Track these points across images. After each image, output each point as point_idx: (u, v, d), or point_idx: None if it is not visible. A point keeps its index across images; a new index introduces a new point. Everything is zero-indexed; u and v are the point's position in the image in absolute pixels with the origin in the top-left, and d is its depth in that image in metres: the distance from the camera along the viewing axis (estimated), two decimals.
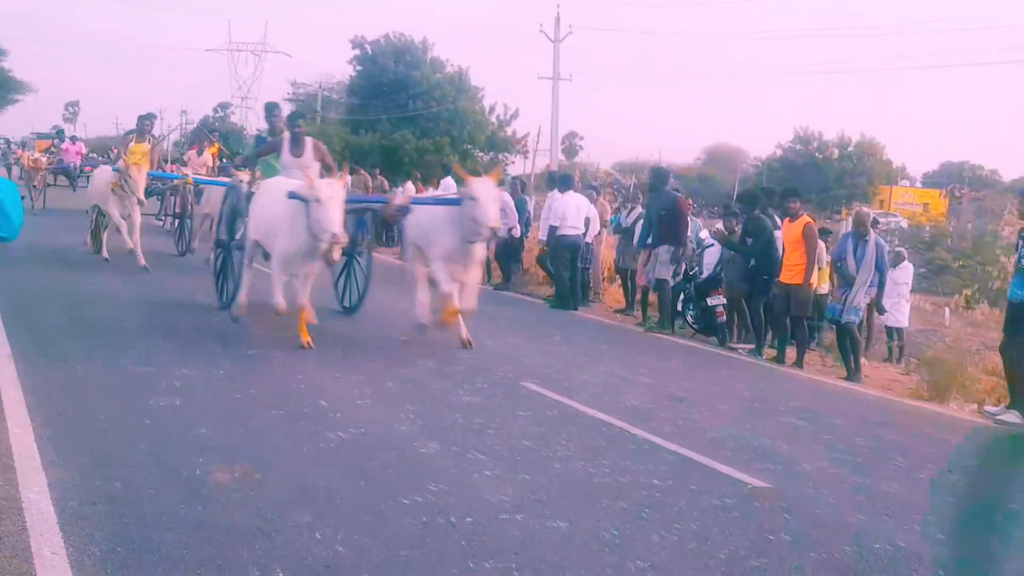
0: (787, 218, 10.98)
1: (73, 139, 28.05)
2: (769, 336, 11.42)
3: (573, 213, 13.76)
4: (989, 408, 8.74)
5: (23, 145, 43.94)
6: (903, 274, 13.87)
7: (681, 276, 12.31)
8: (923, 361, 11.13)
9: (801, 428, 7.65)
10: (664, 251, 12.14)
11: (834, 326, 10.75)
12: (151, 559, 4.23)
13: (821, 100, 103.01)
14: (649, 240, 12.34)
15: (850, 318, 10.13)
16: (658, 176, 13.10)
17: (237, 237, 10.80)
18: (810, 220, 10.89)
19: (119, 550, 4.29)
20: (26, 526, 4.46)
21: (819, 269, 11.65)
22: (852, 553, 4.94)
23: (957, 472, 6.80)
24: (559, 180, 15.24)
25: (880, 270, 10.20)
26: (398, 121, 45.21)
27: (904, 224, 33.16)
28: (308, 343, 9.04)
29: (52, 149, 28.26)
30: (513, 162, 48.48)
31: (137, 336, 9.10)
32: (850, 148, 50.71)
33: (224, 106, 75.03)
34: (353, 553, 4.46)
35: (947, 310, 16.30)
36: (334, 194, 8.71)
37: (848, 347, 10.23)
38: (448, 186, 15.86)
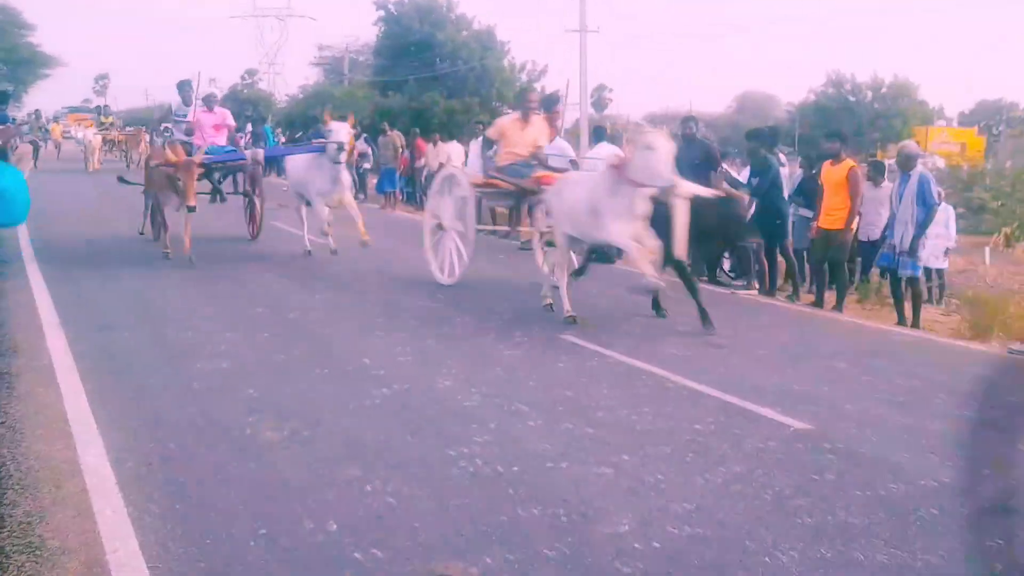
0: (829, 160, 10.85)
1: (208, 101, 13.83)
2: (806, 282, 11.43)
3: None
4: (1013, 345, 8.66)
5: (56, 119, 44.23)
6: (942, 215, 13.69)
7: None
8: (964, 301, 11.05)
9: (842, 371, 7.64)
10: None
11: (884, 273, 10.68)
12: (209, 514, 4.35)
13: (854, 43, 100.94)
14: None
15: (908, 272, 9.93)
16: (689, 123, 12.95)
17: None
18: (855, 164, 10.77)
19: (177, 507, 4.41)
20: (87, 487, 4.60)
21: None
22: (897, 490, 4.97)
23: (999, 408, 6.77)
24: (592, 133, 15.18)
25: (927, 206, 9.85)
26: (426, 81, 45.10)
27: (941, 164, 32.62)
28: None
29: (164, 127, 18.43)
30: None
31: (178, 303, 9.22)
32: (883, 90, 49.90)
33: (251, 72, 75.01)
34: (404, 503, 4.55)
35: (987, 249, 16.10)
36: None
37: (906, 298, 10.10)
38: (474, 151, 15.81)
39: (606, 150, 13.60)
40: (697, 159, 12.13)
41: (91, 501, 4.42)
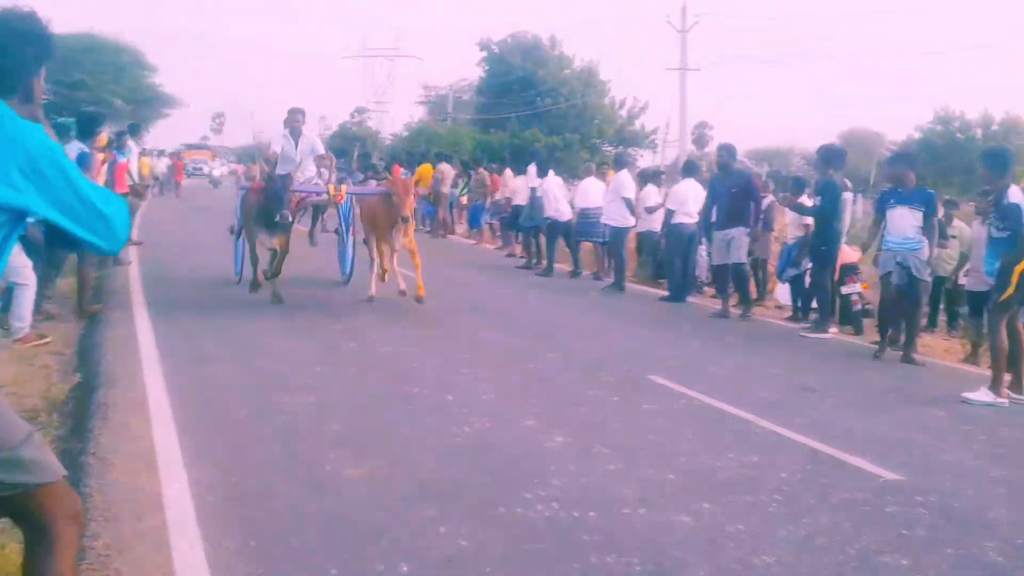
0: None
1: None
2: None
3: (691, 200, 13.34)
4: (967, 395, 7.97)
5: (176, 155, 46.11)
6: None
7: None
8: None
9: (939, 419, 7.37)
10: (740, 233, 11.88)
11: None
12: (282, 554, 4.38)
13: (963, 77, 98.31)
14: (713, 221, 12.25)
15: None
16: (727, 152, 12.74)
17: None
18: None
19: (252, 544, 4.45)
20: (167, 521, 4.67)
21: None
22: (993, 549, 4.74)
23: None
24: (684, 167, 15.23)
25: None
26: (527, 119, 45.58)
27: None
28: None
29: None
30: (642, 155, 48.18)
31: (273, 336, 9.39)
32: (994, 127, 48.27)
33: (360, 111, 76.96)
34: (476, 547, 4.52)
35: None
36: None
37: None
38: (531, 173, 16.54)
39: (693, 187, 13.49)
40: (734, 187, 11.97)
41: (170, 535, 4.49)
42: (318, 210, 13.59)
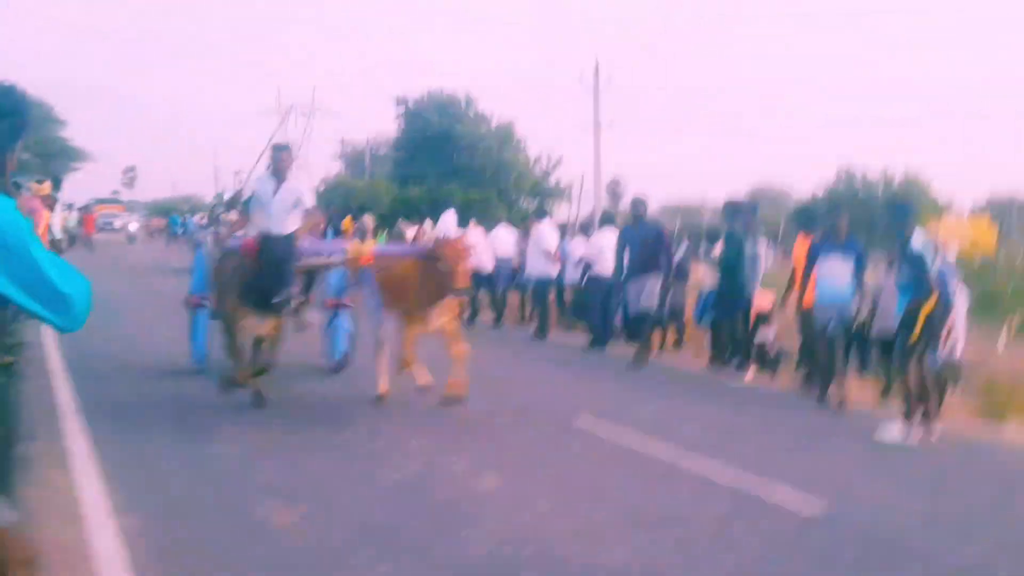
0: (800, 233, 10.91)
1: None
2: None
3: (609, 250, 13.48)
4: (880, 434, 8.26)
5: (86, 209, 45.28)
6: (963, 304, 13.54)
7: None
8: (983, 387, 10.95)
9: (857, 456, 7.60)
10: (653, 281, 12.24)
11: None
12: None
13: (866, 135, 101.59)
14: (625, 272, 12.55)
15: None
16: (638, 206, 13.17)
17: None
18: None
19: None
20: (96, 573, 4.58)
21: None
22: (920, 571, 4.92)
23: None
24: (601, 218, 15.70)
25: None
26: (445, 174, 45.82)
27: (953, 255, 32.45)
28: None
29: None
30: (559, 206, 48.67)
31: (195, 386, 9.25)
32: (894, 185, 50.05)
33: None
34: None
35: (1004, 331, 15.97)
36: None
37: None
38: (447, 221, 16.80)
39: (612, 238, 13.78)
40: (648, 238, 12.40)
41: None
42: (312, 278, 10.18)
